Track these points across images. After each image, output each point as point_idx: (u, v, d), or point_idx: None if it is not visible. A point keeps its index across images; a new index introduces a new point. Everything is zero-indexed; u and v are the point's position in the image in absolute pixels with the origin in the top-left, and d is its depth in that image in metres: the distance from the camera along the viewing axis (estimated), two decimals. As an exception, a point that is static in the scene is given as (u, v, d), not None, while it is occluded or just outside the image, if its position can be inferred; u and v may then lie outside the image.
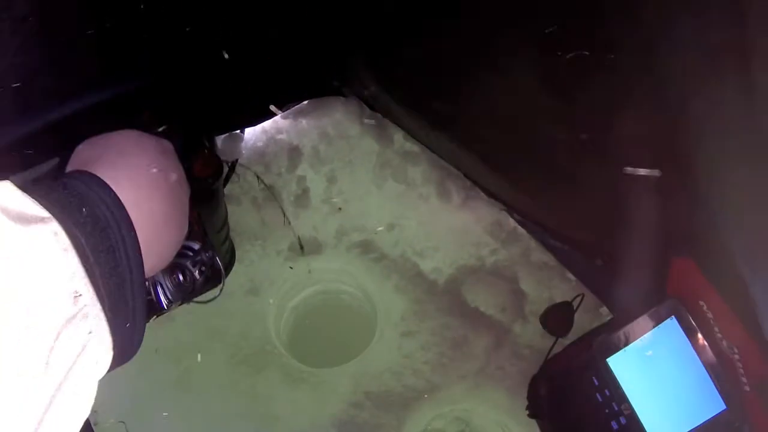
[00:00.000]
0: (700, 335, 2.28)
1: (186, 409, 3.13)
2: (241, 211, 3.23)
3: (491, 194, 3.06)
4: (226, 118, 2.90)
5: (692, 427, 2.33)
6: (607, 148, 2.12)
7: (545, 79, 2.10)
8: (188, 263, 1.74)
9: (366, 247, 3.29)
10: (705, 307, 2.21)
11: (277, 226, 3.26)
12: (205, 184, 2.30)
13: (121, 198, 1.07)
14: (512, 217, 3.11)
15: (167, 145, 1.51)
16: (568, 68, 1.93)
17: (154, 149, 1.40)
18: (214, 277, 2.58)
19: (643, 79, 1.78)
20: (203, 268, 1.82)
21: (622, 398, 2.44)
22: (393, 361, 3.24)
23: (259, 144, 3.21)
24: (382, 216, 3.28)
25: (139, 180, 1.23)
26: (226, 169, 2.68)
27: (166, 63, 2.25)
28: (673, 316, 2.35)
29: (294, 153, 3.23)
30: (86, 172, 1.11)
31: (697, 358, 2.29)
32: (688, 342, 2.31)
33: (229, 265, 3.08)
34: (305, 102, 3.17)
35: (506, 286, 3.21)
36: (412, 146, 3.17)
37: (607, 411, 2.47)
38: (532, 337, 3.14)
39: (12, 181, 0.86)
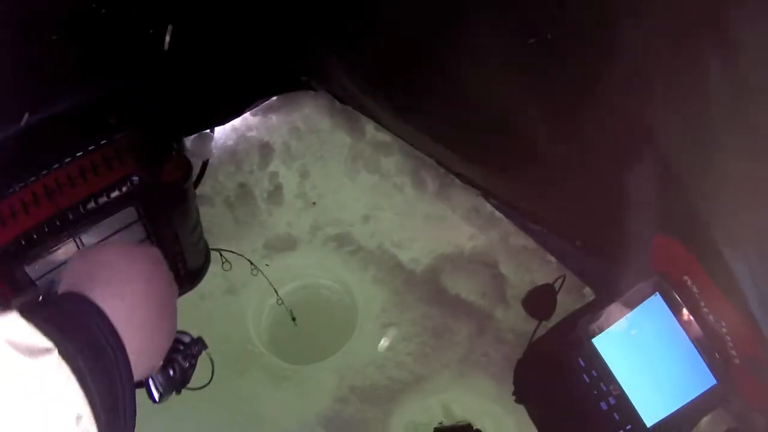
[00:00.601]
0: (685, 311, 2.25)
1: (170, 416, 3.07)
2: (214, 212, 3.19)
3: (467, 180, 3.02)
4: (195, 118, 2.86)
5: (683, 404, 2.30)
6: (581, 128, 2.09)
7: (513, 63, 2.07)
8: (179, 357, 1.73)
9: (342, 241, 3.26)
10: (690, 283, 2.18)
11: (252, 225, 3.22)
12: (175, 186, 2.27)
13: (113, 317, 1.18)
14: (489, 202, 3.07)
15: (155, 252, 1.52)
16: (537, 51, 1.91)
17: (143, 261, 1.44)
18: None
19: (611, 59, 1.75)
20: (193, 361, 1.80)
21: (610, 378, 2.40)
22: (375, 353, 3.21)
23: (230, 143, 3.17)
24: (357, 208, 3.24)
25: (130, 298, 1.30)
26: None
27: (131, 67, 2.23)
28: (657, 293, 2.32)
29: (265, 150, 3.19)
30: (81, 295, 1.20)
31: (684, 334, 2.26)
32: (674, 318, 2.28)
33: (204, 266, 3.04)
34: (274, 98, 3.13)
35: (486, 272, 3.18)
36: (384, 136, 3.13)
37: (595, 392, 2.43)
38: (515, 322, 3.11)
39: (16, 307, 0.97)
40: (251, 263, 3.17)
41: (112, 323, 1.16)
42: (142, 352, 1.27)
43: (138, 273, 1.37)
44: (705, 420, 2.43)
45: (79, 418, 0.98)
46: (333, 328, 3.42)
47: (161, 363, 1.52)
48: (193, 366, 1.80)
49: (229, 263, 3.12)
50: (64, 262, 2.14)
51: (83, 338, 1.08)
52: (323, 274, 3.43)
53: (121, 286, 1.30)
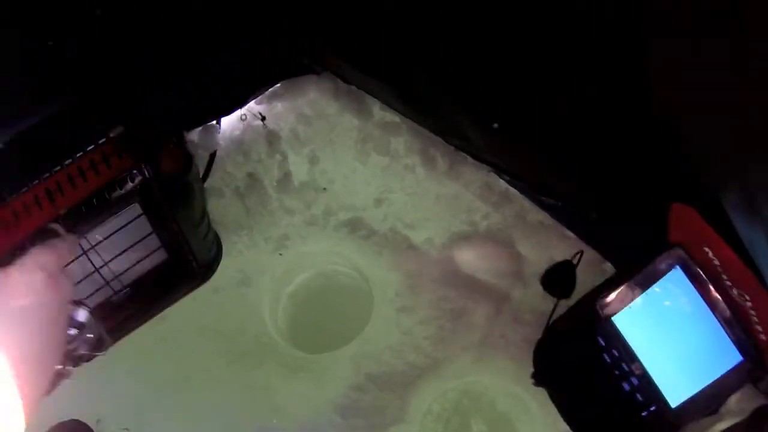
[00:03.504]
0: (708, 284, 2.19)
1: (187, 410, 3.08)
2: (225, 203, 3.15)
3: (477, 157, 2.96)
4: (200, 110, 2.82)
5: (709, 382, 2.24)
6: (592, 96, 2.04)
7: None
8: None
9: (354, 225, 3.21)
10: (711, 255, 2.12)
11: (262, 215, 3.18)
12: (175, 179, 2.26)
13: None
14: (502, 178, 3.01)
15: (37, 277, 1.69)
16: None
17: (19, 294, 1.61)
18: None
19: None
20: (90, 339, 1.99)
21: (632, 357, 2.35)
22: (392, 339, 3.15)
23: (237, 133, 3.12)
24: (368, 192, 3.19)
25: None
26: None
27: (129, 65, 2.23)
28: (677, 266, 2.26)
29: (272, 137, 3.14)
30: None
31: (708, 309, 2.20)
32: (696, 292, 2.22)
33: (215, 258, 3.02)
34: (278, 84, 3.06)
35: (502, 250, 3.12)
36: (392, 116, 3.07)
37: (617, 372, 2.38)
38: (533, 301, 3.05)
39: None
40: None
41: None
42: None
43: (11, 310, 1.56)
44: (733, 399, 2.37)
45: None
46: (350, 314, 3.38)
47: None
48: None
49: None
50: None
51: None
52: (338, 261, 3.39)
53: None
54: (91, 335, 1.97)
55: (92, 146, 2.13)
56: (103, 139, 2.14)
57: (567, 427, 2.74)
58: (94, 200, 2.16)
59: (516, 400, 3.10)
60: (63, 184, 2.08)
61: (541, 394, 2.80)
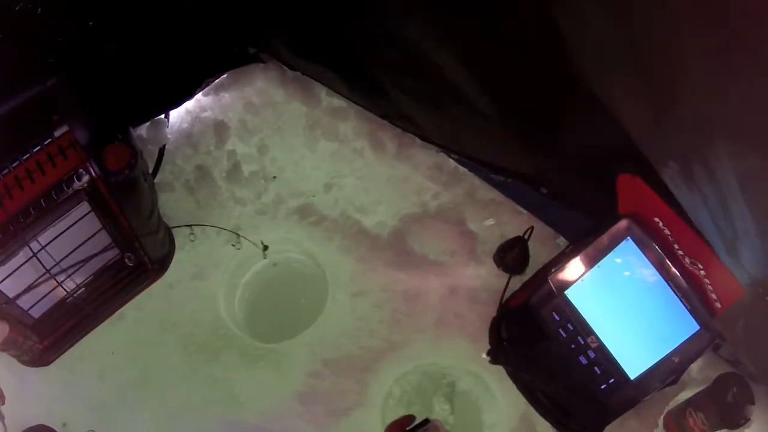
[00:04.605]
0: (660, 254, 2.21)
1: (151, 407, 3.06)
2: (175, 197, 3.14)
3: (425, 138, 2.97)
4: (146, 105, 2.86)
5: (667, 352, 2.27)
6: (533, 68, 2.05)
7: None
8: None
9: (305, 212, 3.21)
10: (661, 225, 2.14)
11: (213, 206, 3.18)
12: (121, 175, 2.25)
13: None
14: (451, 157, 3.02)
15: None
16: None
17: None
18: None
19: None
20: None
21: (588, 331, 2.36)
22: (348, 324, 3.16)
23: (185, 125, 3.12)
24: (318, 177, 3.21)
25: None
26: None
27: (70, 62, 2.22)
28: (628, 237, 2.28)
29: (221, 128, 3.14)
30: None
31: (661, 279, 2.22)
32: (649, 262, 2.24)
33: (169, 253, 3.01)
34: (225, 75, 3.09)
35: (453, 229, 3.13)
36: (339, 102, 3.09)
37: (573, 347, 2.39)
38: (487, 279, 3.05)
39: None
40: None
41: None
42: None
43: None
44: (695, 367, 2.40)
45: None
46: (306, 301, 3.39)
47: None
48: None
49: (194, 234, 3.13)
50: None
51: None
52: (290, 248, 3.39)
53: None
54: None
55: (38, 147, 2.13)
56: (49, 140, 2.14)
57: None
58: (42, 201, 2.15)
59: (476, 379, 3.11)
60: (11, 187, 2.09)
61: (501, 372, 2.82)
